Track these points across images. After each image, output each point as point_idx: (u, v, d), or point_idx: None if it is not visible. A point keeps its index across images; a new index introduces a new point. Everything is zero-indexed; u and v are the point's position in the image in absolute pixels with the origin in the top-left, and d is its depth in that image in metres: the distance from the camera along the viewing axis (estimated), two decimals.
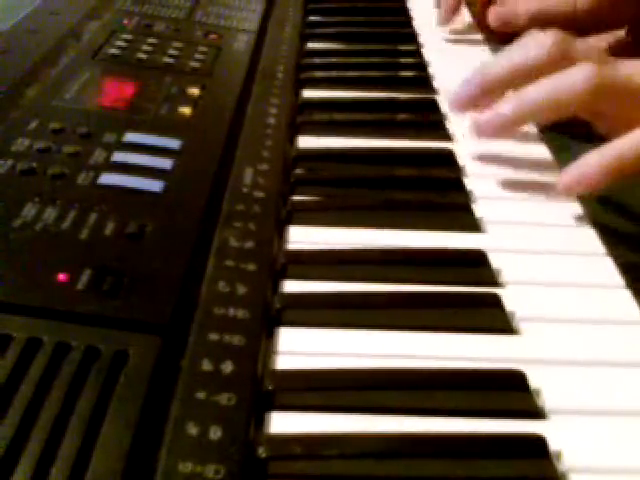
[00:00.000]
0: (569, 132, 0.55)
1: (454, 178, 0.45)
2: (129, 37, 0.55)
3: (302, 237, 0.39)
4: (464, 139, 0.49)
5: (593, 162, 0.40)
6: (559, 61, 0.44)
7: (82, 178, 0.38)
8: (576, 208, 0.43)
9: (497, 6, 0.67)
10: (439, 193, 0.44)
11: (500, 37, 0.65)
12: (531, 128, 0.51)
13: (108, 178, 0.38)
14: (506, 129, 0.45)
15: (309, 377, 0.30)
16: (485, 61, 0.48)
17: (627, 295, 0.36)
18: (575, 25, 0.66)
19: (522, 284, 0.36)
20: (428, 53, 0.62)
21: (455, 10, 0.67)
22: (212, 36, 0.58)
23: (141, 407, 0.26)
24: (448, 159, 0.47)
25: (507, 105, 0.44)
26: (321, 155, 0.47)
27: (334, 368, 0.31)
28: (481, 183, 0.44)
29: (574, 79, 0.42)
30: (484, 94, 0.47)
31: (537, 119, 0.47)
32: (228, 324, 0.31)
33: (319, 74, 0.58)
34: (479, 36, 0.67)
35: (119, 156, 0.40)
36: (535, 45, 0.45)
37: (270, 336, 0.32)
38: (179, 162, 0.41)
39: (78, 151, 0.40)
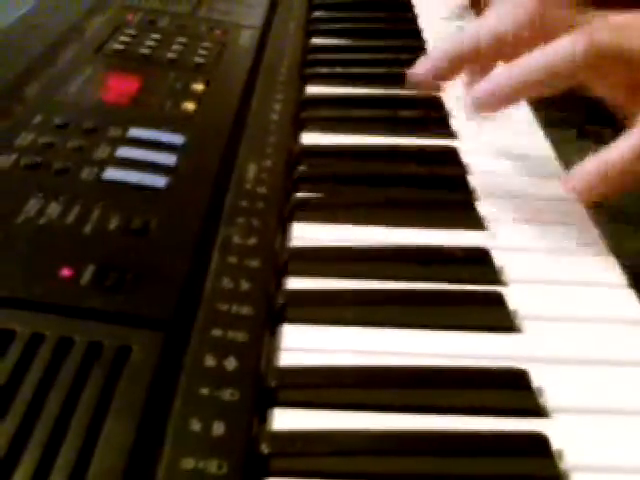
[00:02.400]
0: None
1: (458, 176, 0.45)
2: (133, 32, 0.55)
3: (305, 234, 0.39)
4: (468, 136, 0.49)
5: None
6: (543, 25, 0.42)
7: (86, 173, 0.38)
8: (579, 207, 0.43)
9: None
10: (443, 191, 0.44)
11: None
12: (535, 127, 0.51)
13: (112, 173, 0.38)
14: (501, 102, 0.42)
15: (312, 374, 0.30)
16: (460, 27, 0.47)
17: (630, 294, 0.36)
18: None
19: (525, 282, 0.36)
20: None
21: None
22: (216, 32, 0.58)
23: (144, 403, 0.26)
24: (452, 157, 0.47)
25: (502, 75, 0.41)
26: (325, 152, 0.47)
27: (337, 365, 0.31)
28: (485, 181, 0.44)
29: (569, 49, 0.40)
30: (456, 65, 0.44)
31: (534, 92, 0.43)
32: (231, 320, 0.31)
33: (323, 70, 0.58)
34: None
35: (123, 151, 0.40)
36: (514, 8, 0.43)
37: (273, 333, 0.32)
38: (183, 158, 0.41)
39: (82, 146, 0.40)
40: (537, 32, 0.42)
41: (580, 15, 0.43)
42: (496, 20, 0.44)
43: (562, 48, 0.40)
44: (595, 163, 0.39)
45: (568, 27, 0.41)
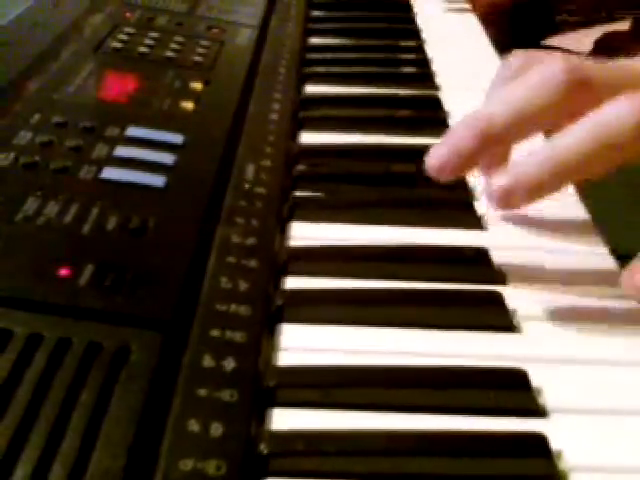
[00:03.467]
0: None
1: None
2: (131, 31, 0.55)
3: (304, 233, 0.39)
4: None
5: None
6: (575, 96, 0.33)
7: (84, 172, 0.38)
8: (579, 206, 0.43)
9: None
10: (441, 190, 0.44)
11: (493, 23, 0.65)
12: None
13: (110, 172, 0.38)
14: (537, 194, 0.33)
15: (311, 374, 0.30)
16: (474, 109, 0.35)
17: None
18: None
19: (524, 282, 0.36)
20: (431, 49, 0.62)
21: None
22: (215, 30, 0.58)
23: (142, 403, 0.26)
24: None
25: (531, 166, 0.33)
26: (323, 151, 0.47)
27: (335, 365, 0.31)
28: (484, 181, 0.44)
29: (612, 118, 0.32)
30: (476, 152, 0.34)
31: (578, 177, 0.35)
32: (230, 320, 0.31)
33: (322, 69, 0.58)
34: (483, 33, 0.67)
35: (121, 150, 0.40)
36: (542, 78, 0.34)
37: (272, 332, 0.32)
38: (181, 157, 0.41)
39: (80, 145, 0.40)
40: (571, 105, 0.34)
41: (617, 70, 0.35)
42: (522, 98, 0.34)
43: (609, 120, 0.32)
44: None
45: (608, 89, 0.33)
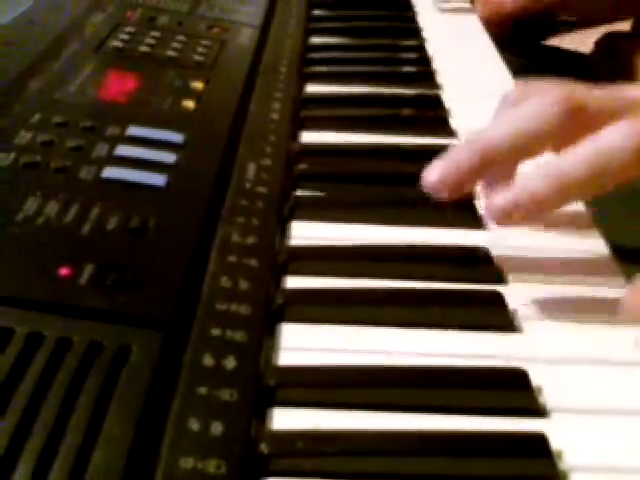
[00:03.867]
0: None
1: None
2: (132, 30, 0.55)
3: (305, 233, 0.39)
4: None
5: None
6: (576, 120, 0.35)
7: (85, 172, 0.38)
8: (580, 206, 0.42)
9: None
10: None
11: (497, 28, 0.65)
12: None
13: (111, 172, 0.38)
14: (538, 211, 0.34)
15: (311, 373, 0.30)
16: (472, 131, 0.37)
17: None
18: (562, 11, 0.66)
19: (524, 282, 0.36)
20: (432, 48, 0.62)
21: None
22: (215, 30, 0.58)
23: (143, 402, 0.26)
24: None
25: (533, 185, 0.33)
26: (324, 150, 0.47)
27: (336, 364, 0.31)
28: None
29: (612, 142, 0.33)
30: (476, 170, 0.35)
31: (577, 197, 0.36)
32: (230, 319, 0.31)
33: (323, 69, 0.58)
34: (484, 32, 0.67)
35: (122, 150, 0.40)
36: (538, 108, 0.35)
37: (272, 332, 0.32)
38: (182, 156, 0.41)
39: (81, 145, 0.40)
40: (567, 133, 0.35)
41: (611, 98, 0.36)
42: (518, 127, 0.35)
43: (609, 143, 0.33)
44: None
45: (605, 116, 0.35)
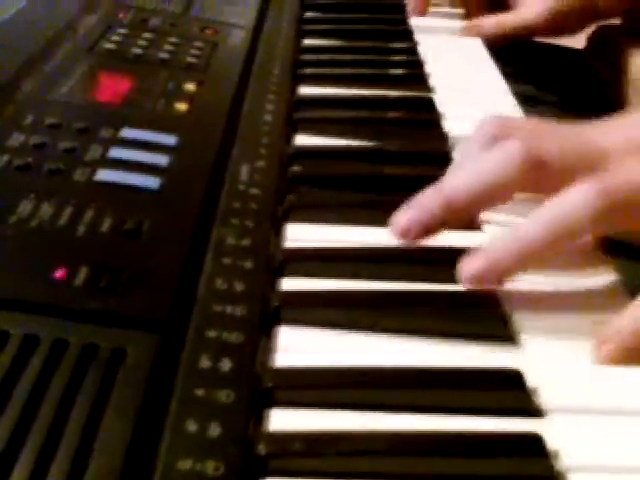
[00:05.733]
0: None
1: None
2: (125, 31, 0.54)
3: (299, 235, 0.39)
4: (460, 138, 0.49)
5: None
6: (538, 175, 0.36)
7: (78, 174, 0.38)
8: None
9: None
10: None
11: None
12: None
13: (105, 174, 0.38)
14: (505, 277, 0.35)
15: (308, 374, 0.30)
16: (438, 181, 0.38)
17: (625, 296, 0.36)
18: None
19: (521, 284, 0.36)
20: (424, 51, 0.62)
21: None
22: (208, 31, 0.58)
23: (140, 404, 0.26)
24: (444, 158, 0.47)
25: (500, 249, 0.34)
26: (318, 152, 0.47)
27: (333, 366, 0.31)
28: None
29: (570, 207, 0.34)
30: (440, 219, 0.37)
31: (535, 260, 0.35)
32: (226, 321, 0.31)
33: (316, 71, 0.58)
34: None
35: (116, 152, 0.40)
36: (500, 158, 0.36)
37: (268, 334, 0.32)
38: (176, 159, 0.41)
39: (74, 147, 0.40)
40: (528, 184, 0.37)
41: (575, 150, 0.37)
42: (481, 178, 0.37)
43: (568, 206, 0.34)
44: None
45: (563, 176, 0.35)
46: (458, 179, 0.38)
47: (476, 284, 0.34)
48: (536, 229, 0.34)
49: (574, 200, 0.34)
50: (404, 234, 0.37)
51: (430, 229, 0.37)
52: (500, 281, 0.35)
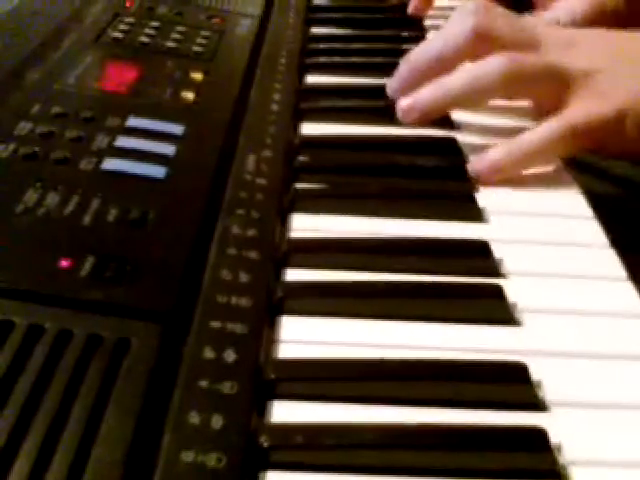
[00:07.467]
0: None
1: (457, 167, 0.45)
2: (132, 20, 0.54)
3: (305, 225, 0.39)
4: (468, 127, 0.49)
5: (501, 155, 0.43)
6: (478, 46, 0.46)
7: (85, 163, 0.38)
8: (580, 199, 0.42)
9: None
10: (442, 182, 0.44)
11: None
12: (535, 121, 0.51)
13: (111, 164, 0.38)
14: (426, 115, 0.47)
15: (311, 366, 0.30)
16: (412, 50, 0.50)
17: (630, 287, 0.36)
18: None
19: (524, 275, 0.36)
20: None
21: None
22: (215, 20, 0.57)
23: (143, 395, 0.26)
24: (452, 147, 0.46)
25: (425, 93, 0.46)
26: (325, 142, 0.47)
27: (336, 358, 0.31)
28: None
29: (486, 69, 0.44)
30: (410, 83, 0.48)
31: (455, 106, 0.48)
32: (230, 312, 0.31)
33: (323, 59, 0.58)
34: None
35: (122, 141, 0.40)
36: (455, 31, 0.47)
37: (272, 325, 0.32)
38: (182, 148, 0.41)
39: (81, 136, 0.40)
40: (473, 52, 0.46)
41: (518, 31, 0.46)
42: (440, 42, 0.48)
43: (484, 68, 0.44)
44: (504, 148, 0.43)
45: (501, 47, 0.45)
46: (422, 49, 0.49)
47: (407, 118, 0.47)
48: (457, 82, 0.45)
49: (491, 62, 0.44)
50: (393, 93, 0.49)
51: (406, 87, 0.48)
52: (422, 119, 0.47)
